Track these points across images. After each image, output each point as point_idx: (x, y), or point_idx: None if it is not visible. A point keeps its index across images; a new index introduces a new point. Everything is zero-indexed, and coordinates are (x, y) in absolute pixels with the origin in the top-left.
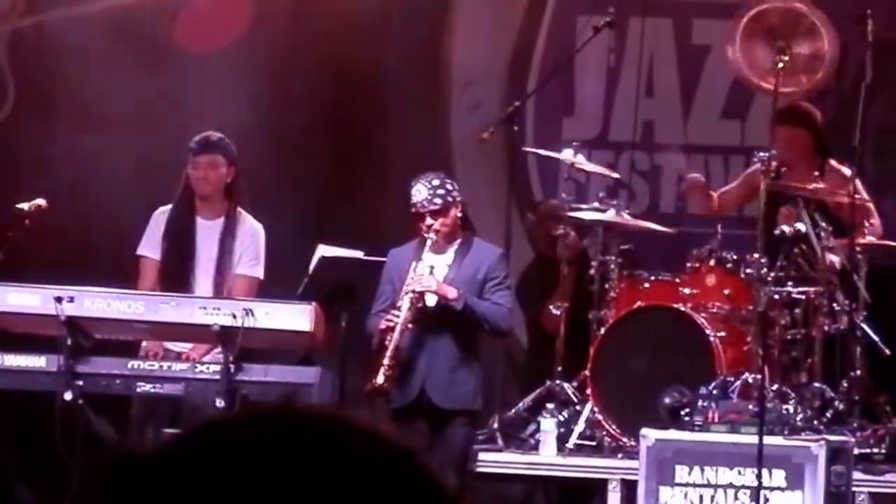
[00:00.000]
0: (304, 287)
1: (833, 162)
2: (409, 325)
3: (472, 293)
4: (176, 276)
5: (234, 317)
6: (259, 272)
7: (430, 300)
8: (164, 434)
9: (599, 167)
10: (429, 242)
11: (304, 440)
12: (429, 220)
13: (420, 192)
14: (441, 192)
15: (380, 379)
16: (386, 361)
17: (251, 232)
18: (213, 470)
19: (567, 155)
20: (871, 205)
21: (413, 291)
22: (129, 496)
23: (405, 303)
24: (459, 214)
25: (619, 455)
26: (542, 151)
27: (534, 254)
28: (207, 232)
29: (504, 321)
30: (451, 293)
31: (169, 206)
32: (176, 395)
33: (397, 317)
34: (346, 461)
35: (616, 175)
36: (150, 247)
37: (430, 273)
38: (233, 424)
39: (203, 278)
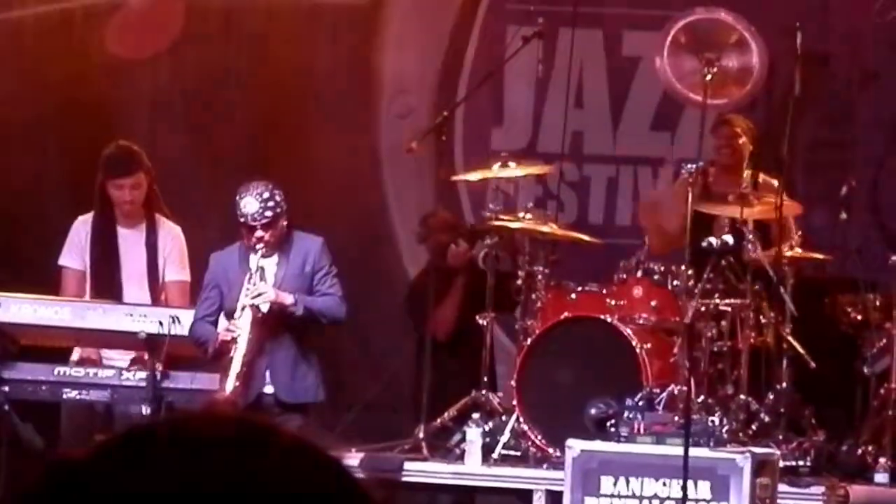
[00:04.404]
0: None
1: (763, 175)
2: (250, 336)
3: (304, 286)
4: (107, 287)
5: (161, 324)
6: (187, 275)
7: (265, 307)
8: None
9: (527, 170)
10: (259, 252)
11: (233, 446)
12: (259, 233)
13: (250, 204)
14: (271, 203)
15: (229, 388)
16: (234, 373)
17: (172, 236)
18: (144, 474)
19: (495, 172)
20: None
21: (251, 306)
22: (62, 502)
23: (245, 315)
24: (285, 223)
25: (545, 465)
26: (471, 177)
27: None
28: (130, 240)
29: (339, 310)
30: (288, 300)
31: (88, 216)
32: (102, 402)
33: (237, 329)
34: (274, 468)
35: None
36: (72, 257)
37: (261, 280)
38: (162, 429)
39: (129, 287)
